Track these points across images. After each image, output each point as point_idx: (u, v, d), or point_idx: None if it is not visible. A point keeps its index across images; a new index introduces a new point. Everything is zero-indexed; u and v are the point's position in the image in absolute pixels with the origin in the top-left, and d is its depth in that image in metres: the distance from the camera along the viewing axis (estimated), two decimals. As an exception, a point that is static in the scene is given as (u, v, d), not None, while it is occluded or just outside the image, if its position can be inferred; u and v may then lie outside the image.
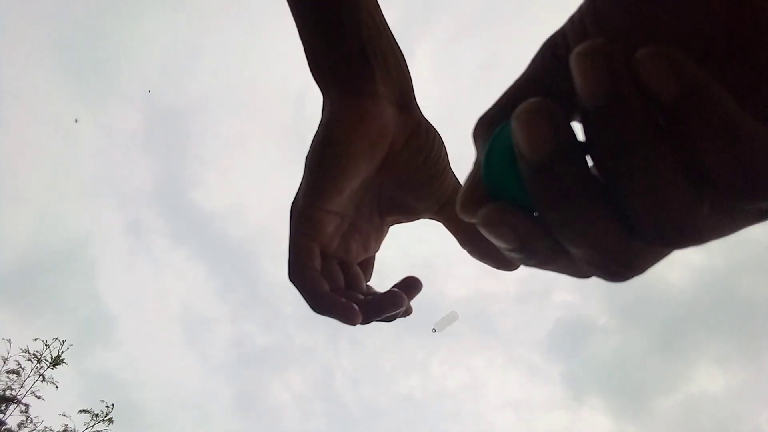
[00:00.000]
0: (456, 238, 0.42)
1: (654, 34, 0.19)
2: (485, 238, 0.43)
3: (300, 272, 0.36)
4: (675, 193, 0.16)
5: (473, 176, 0.22)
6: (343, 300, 0.36)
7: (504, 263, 0.41)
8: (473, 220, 0.21)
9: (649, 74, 0.16)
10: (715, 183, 0.16)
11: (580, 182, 0.17)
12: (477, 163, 0.22)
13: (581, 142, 0.18)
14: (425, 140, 0.39)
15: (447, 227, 0.43)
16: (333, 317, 0.36)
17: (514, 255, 0.21)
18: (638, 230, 0.17)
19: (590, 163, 0.18)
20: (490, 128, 0.22)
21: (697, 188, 0.16)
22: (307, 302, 0.36)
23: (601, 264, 0.19)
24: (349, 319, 0.36)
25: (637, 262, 0.19)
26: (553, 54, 0.21)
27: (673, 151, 0.16)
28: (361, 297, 0.38)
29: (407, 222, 0.43)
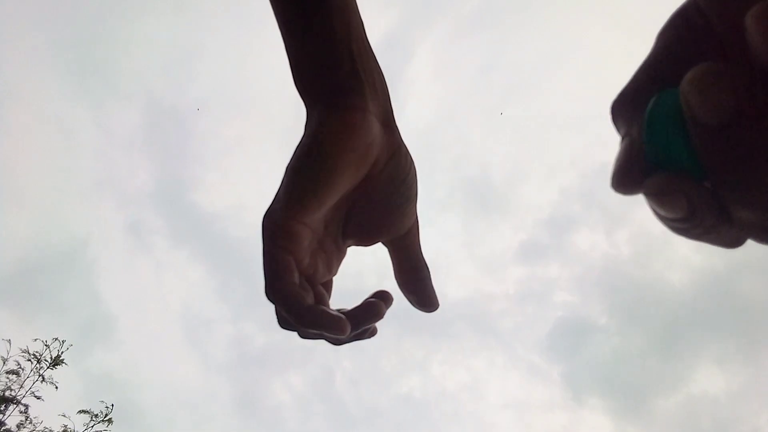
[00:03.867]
0: (395, 268, 0.43)
1: None
2: (421, 278, 0.43)
3: (280, 287, 0.35)
4: None
5: (628, 150, 0.22)
6: (332, 311, 0.35)
7: (425, 304, 0.42)
8: (634, 194, 0.21)
9: None
10: None
11: (760, 142, 0.17)
12: (628, 137, 0.22)
13: (758, 104, 0.18)
14: (404, 163, 0.39)
15: (392, 256, 0.43)
16: (320, 330, 0.35)
17: (679, 225, 0.20)
18: None
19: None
20: (635, 103, 0.22)
21: None
22: (291, 317, 0.35)
23: None
24: (338, 330, 0.34)
25: None
26: (688, 25, 0.21)
27: None
28: (337, 311, 0.37)
29: (365, 246, 0.43)
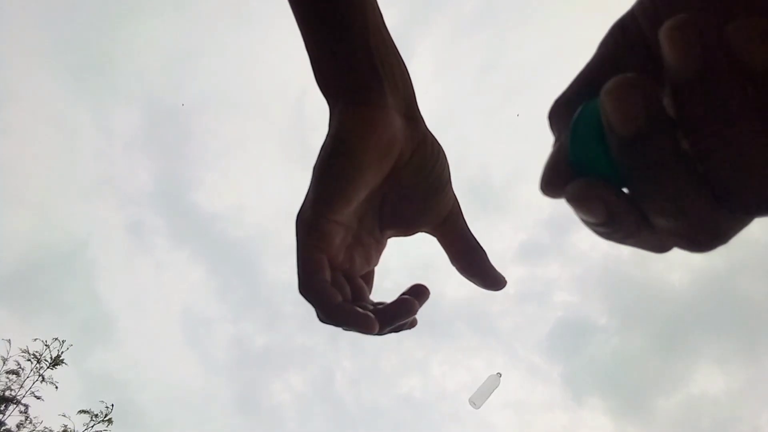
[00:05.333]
0: (448, 254, 0.43)
1: (731, 12, 0.19)
2: (477, 258, 0.44)
3: (312, 284, 0.36)
4: (765, 161, 0.17)
5: (556, 155, 0.23)
6: (359, 309, 0.36)
7: (490, 283, 0.42)
8: (558, 197, 0.22)
9: (742, 45, 0.16)
10: None
11: (671, 153, 0.18)
12: (558, 143, 0.23)
13: (670, 115, 0.18)
14: (431, 153, 0.40)
15: (441, 243, 0.43)
16: (349, 328, 0.36)
17: (599, 229, 0.21)
18: (726, 199, 0.18)
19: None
20: (568, 109, 0.23)
21: None
22: (321, 314, 0.36)
23: (689, 234, 0.19)
24: (366, 328, 0.35)
25: (723, 232, 0.19)
26: (624, 35, 0.22)
27: (764, 120, 0.17)
28: (371, 307, 0.38)
29: (405, 236, 0.43)
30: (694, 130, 0.17)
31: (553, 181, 0.22)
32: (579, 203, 0.21)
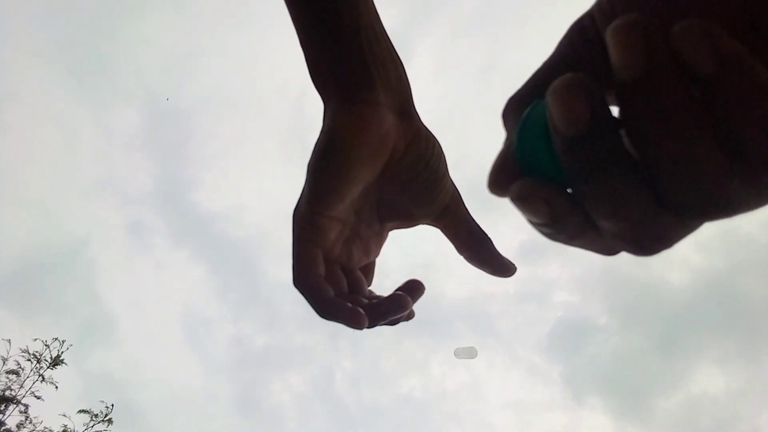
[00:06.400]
0: (453, 244, 0.43)
1: (684, 13, 0.19)
2: (482, 245, 0.44)
3: (305, 279, 0.37)
4: (708, 165, 0.16)
5: (504, 153, 0.23)
6: (349, 305, 0.36)
7: (499, 270, 0.42)
8: (505, 196, 0.22)
9: (686, 47, 0.16)
10: (748, 156, 0.16)
11: (614, 155, 0.18)
12: (508, 141, 0.23)
13: (615, 117, 0.18)
14: (425, 147, 0.40)
15: (445, 234, 0.43)
16: (339, 322, 0.36)
17: (544, 230, 0.21)
18: (670, 203, 0.18)
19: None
20: (521, 107, 0.22)
21: (729, 161, 0.17)
22: (313, 308, 0.37)
23: (632, 237, 0.19)
24: (355, 323, 0.36)
25: (667, 235, 0.19)
26: (582, 35, 0.22)
27: (708, 123, 0.16)
28: (366, 301, 0.39)
29: (406, 228, 0.44)
30: (638, 132, 0.17)
31: (500, 180, 0.22)
32: (522, 203, 0.21)
